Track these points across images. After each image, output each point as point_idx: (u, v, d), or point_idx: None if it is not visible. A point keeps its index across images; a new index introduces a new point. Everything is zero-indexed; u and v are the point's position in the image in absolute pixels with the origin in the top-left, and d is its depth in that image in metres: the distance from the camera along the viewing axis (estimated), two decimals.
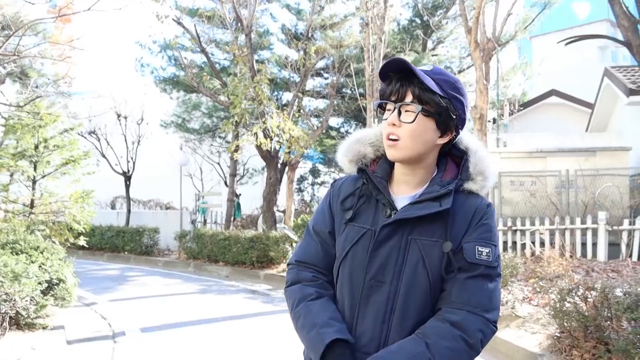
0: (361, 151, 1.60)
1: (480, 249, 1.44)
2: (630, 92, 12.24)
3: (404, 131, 1.46)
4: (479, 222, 1.47)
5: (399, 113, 1.47)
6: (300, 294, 1.59)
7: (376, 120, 11.91)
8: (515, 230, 10.53)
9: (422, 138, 1.47)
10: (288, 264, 1.69)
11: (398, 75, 1.47)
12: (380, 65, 1.59)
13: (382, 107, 1.52)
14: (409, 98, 1.46)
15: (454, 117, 1.49)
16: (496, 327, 1.45)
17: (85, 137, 16.71)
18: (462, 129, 1.54)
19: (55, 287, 6.43)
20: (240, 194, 17.47)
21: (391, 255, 1.47)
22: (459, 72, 17.61)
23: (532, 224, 10.33)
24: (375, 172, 1.56)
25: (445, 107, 1.46)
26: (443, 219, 1.46)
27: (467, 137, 1.56)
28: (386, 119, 1.50)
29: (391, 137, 1.47)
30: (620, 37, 6.76)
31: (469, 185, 1.51)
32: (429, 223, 1.46)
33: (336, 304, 1.56)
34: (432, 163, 1.54)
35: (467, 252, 1.44)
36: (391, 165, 1.57)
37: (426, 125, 1.46)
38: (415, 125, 1.45)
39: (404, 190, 1.54)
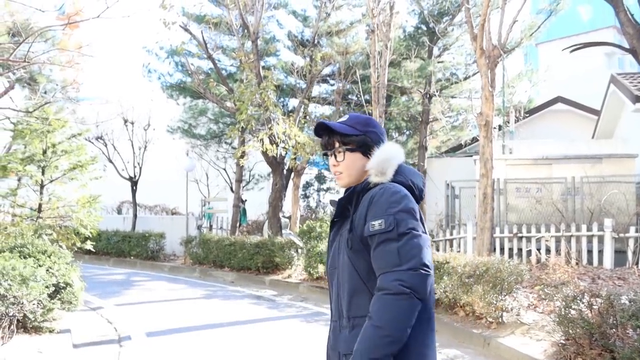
0: None
1: (372, 223, 1.86)
2: (637, 99, 12.18)
3: (341, 167, 2.06)
4: (371, 204, 1.90)
5: (335, 156, 2.07)
6: None
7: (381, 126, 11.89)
8: (521, 237, 10.51)
9: (355, 166, 2.04)
10: None
11: (326, 132, 2.08)
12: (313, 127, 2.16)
13: (326, 155, 2.12)
14: (337, 144, 2.06)
15: (372, 145, 2.03)
16: (420, 270, 1.78)
17: (92, 143, 16.81)
18: None
19: (62, 290, 6.47)
20: (246, 200, 17.51)
21: (335, 248, 2.05)
22: (465, 79, 17.58)
23: (538, 230, 10.31)
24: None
25: (362, 141, 2.03)
26: (351, 211, 2.00)
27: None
28: (329, 163, 2.12)
29: (336, 173, 2.08)
30: (626, 44, 6.77)
31: (371, 179, 1.98)
32: (346, 218, 2.02)
33: None
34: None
35: (365, 231, 1.89)
36: None
37: (354, 157, 2.04)
38: (346, 161, 2.05)
39: None
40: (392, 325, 1.73)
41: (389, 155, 2.00)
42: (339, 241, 2.02)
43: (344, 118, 2.10)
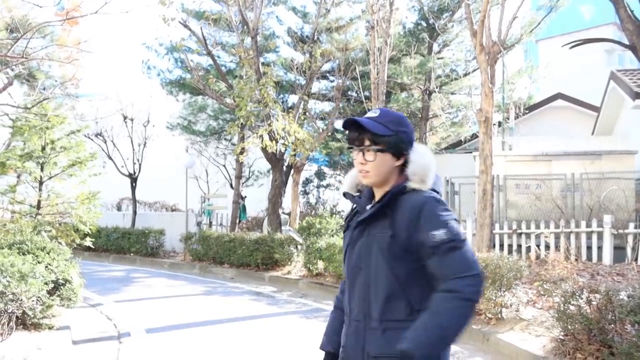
0: (355, 181, 2.16)
1: (433, 233, 1.86)
2: (636, 96, 12.15)
3: (369, 166, 1.99)
4: (419, 215, 1.90)
5: (363, 154, 1.99)
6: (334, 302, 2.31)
7: None
8: (520, 234, 10.51)
9: (384, 167, 1.99)
10: None
11: (355, 127, 2.00)
12: (343, 122, 2.04)
13: (351, 148, 2.05)
14: (367, 142, 1.98)
15: (404, 146, 1.99)
16: (480, 274, 1.87)
17: (91, 139, 16.80)
18: (412, 148, 2.02)
19: (62, 287, 6.47)
20: (245, 196, 17.49)
21: (362, 249, 2.00)
22: (465, 75, 17.56)
23: (537, 227, 10.31)
24: (363, 193, 2.13)
25: (394, 142, 1.97)
26: (387, 215, 1.95)
27: (413, 149, 2.02)
28: (354, 158, 2.04)
29: (362, 171, 2.02)
30: (626, 40, 6.76)
31: (410, 184, 1.97)
32: (380, 220, 1.97)
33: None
34: (395, 179, 2.02)
35: (425, 241, 1.88)
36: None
37: (384, 158, 1.98)
38: (376, 161, 1.98)
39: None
40: (457, 328, 1.84)
41: (429, 164, 1.99)
42: (368, 242, 1.99)
43: (375, 114, 2.03)
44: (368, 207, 2.06)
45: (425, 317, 1.83)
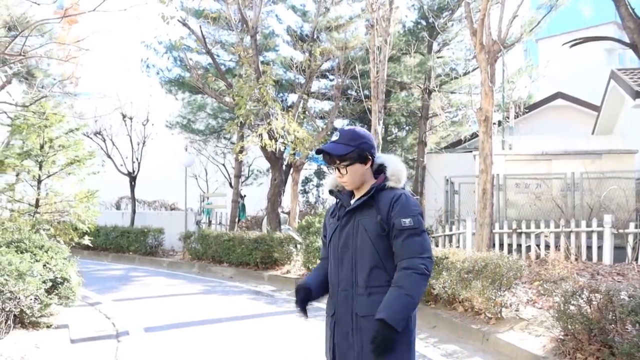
0: (335, 182, 2.69)
1: (403, 220, 2.46)
2: (637, 95, 12.13)
3: (345, 178, 2.57)
4: (395, 204, 2.48)
5: (339, 170, 2.56)
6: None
7: (380, 122, 11.88)
8: (520, 233, 10.48)
9: (356, 174, 2.56)
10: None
11: (325, 153, 2.55)
12: (315, 150, 2.63)
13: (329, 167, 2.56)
14: (337, 162, 2.53)
15: (366, 153, 2.55)
16: (431, 258, 2.49)
17: (90, 138, 16.76)
18: (375, 153, 2.61)
19: (60, 286, 6.44)
20: (245, 195, 17.48)
21: (349, 232, 2.56)
22: (464, 74, 17.52)
23: (537, 226, 10.28)
24: (345, 192, 2.67)
25: (358, 154, 2.53)
26: (372, 205, 2.52)
27: (383, 157, 2.65)
28: (335, 173, 2.63)
29: (342, 182, 2.60)
30: (626, 39, 6.73)
31: (389, 183, 2.56)
32: (365, 209, 2.54)
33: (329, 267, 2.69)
34: (369, 179, 2.60)
35: (396, 225, 2.47)
36: None
37: (355, 168, 2.55)
38: (349, 173, 2.55)
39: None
40: (418, 295, 2.40)
41: (402, 168, 2.61)
42: (354, 226, 2.54)
43: (336, 137, 2.58)
44: (352, 201, 2.62)
45: (393, 291, 2.39)
